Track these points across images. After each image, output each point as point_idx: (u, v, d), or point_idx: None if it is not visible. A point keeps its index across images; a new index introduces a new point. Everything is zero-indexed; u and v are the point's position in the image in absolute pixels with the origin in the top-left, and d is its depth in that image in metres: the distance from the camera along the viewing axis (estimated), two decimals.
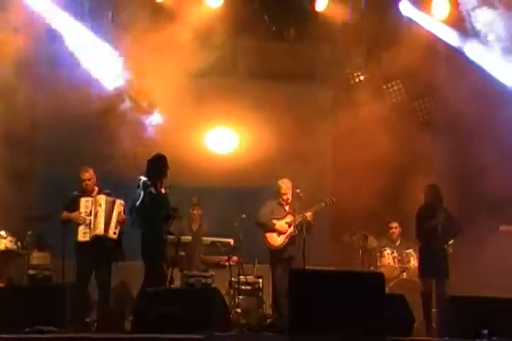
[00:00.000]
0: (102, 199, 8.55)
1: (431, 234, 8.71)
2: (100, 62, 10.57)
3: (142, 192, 7.96)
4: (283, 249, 9.23)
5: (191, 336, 5.78)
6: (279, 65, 11.53)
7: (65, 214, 8.56)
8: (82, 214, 8.49)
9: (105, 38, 10.54)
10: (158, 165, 8.10)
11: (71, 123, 10.30)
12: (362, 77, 11.76)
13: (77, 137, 10.53)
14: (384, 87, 11.69)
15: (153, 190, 7.97)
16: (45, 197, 10.31)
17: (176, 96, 10.21)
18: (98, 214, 8.47)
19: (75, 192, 8.67)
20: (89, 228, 8.45)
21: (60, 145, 10.67)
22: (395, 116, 10.89)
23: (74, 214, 8.51)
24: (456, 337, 6.15)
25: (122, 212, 8.57)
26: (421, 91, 11.56)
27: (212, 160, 11.36)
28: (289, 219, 9.30)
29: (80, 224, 8.46)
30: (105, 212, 8.48)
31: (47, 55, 10.14)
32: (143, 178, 8.04)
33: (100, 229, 8.44)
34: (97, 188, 8.71)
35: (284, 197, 9.32)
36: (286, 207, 9.37)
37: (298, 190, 9.25)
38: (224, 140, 11.86)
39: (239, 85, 11.53)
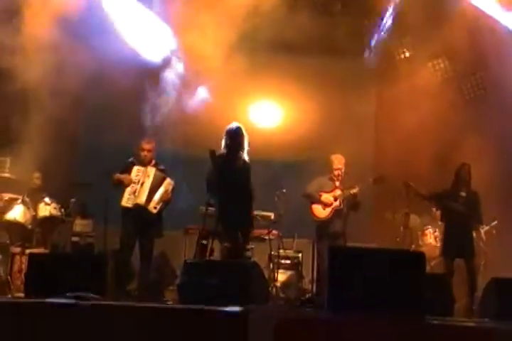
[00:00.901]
0: (152, 171, 8.59)
1: (451, 216, 8.70)
2: (146, 30, 10.60)
3: (216, 166, 7.85)
4: (328, 222, 9.17)
5: (229, 309, 5.80)
6: (324, 40, 11.42)
7: (117, 175, 8.59)
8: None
9: (151, 7, 10.53)
10: (235, 136, 7.98)
11: (116, 91, 10.33)
12: (407, 54, 11.64)
13: (122, 105, 10.57)
14: (430, 64, 11.54)
15: (231, 162, 7.89)
16: (89, 164, 10.41)
17: (219, 70, 10.20)
18: (144, 185, 8.52)
19: (131, 159, 8.71)
20: (134, 195, 8.50)
21: (104, 113, 10.74)
22: (441, 92, 10.75)
23: (124, 176, 8.55)
24: (498, 319, 6.10)
25: (169, 192, 8.60)
26: (468, 68, 11.39)
27: (256, 134, 11.33)
28: (336, 193, 9.23)
29: (127, 186, 8.51)
30: (151, 184, 8.52)
31: (93, 21, 10.13)
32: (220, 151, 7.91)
33: (142, 199, 8.48)
34: (154, 161, 8.75)
35: (336, 173, 9.24)
36: (337, 183, 9.28)
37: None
38: (268, 114, 11.83)
39: (284, 59, 11.47)
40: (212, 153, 7.78)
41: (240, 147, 7.97)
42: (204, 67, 10.35)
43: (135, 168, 8.62)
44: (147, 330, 5.36)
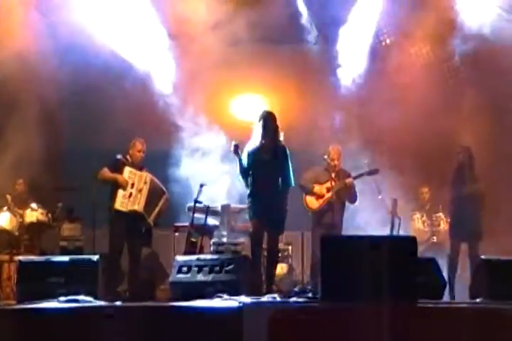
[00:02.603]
0: (148, 177, 8.32)
1: (461, 200, 8.75)
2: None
3: (248, 159, 7.71)
4: (320, 213, 9.09)
5: (228, 305, 5.80)
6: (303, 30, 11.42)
7: (109, 172, 8.24)
8: None
9: None
10: (266, 124, 7.79)
11: (100, 93, 10.29)
12: (388, 41, 11.63)
13: (105, 108, 10.47)
14: (412, 50, 11.52)
15: (263, 155, 7.71)
16: (75, 168, 10.29)
17: (202, 64, 10.18)
18: (142, 192, 8.24)
19: (120, 157, 8.34)
20: (129, 200, 8.20)
21: (89, 115, 10.66)
22: (425, 75, 10.73)
23: (120, 176, 8.19)
24: (489, 299, 6.12)
25: (166, 206, 8.48)
26: (449, 52, 11.38)
27: (240, 126, 11.32)
28: (329, 184, 9.08)
29: (119, 188, 8.15)
30: (149, 192, 8.26)
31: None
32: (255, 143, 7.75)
33: (140, 206, 8.21)
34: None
35: (332, 164, 9.14)
36: (333, 174, 9.11)
37: (325, 156, 9.17)
38: (250, 107, 11.79)
39: (264, 51, 11.43)
40: (236, 147, 7.70)
41: (277, 129, 7.84)
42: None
43: (127, 169, 8.27)
44: (143, 329, 5.37)
